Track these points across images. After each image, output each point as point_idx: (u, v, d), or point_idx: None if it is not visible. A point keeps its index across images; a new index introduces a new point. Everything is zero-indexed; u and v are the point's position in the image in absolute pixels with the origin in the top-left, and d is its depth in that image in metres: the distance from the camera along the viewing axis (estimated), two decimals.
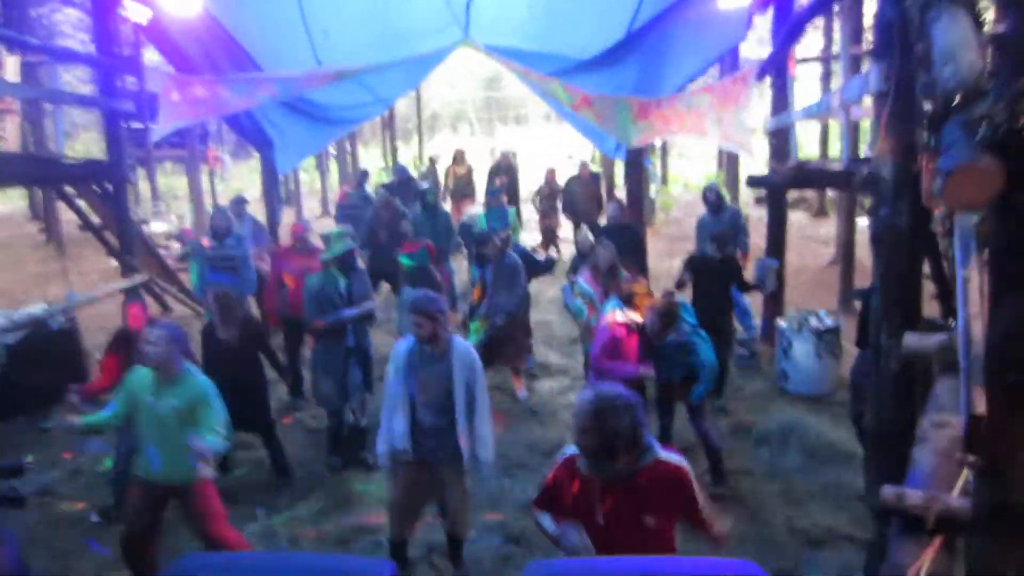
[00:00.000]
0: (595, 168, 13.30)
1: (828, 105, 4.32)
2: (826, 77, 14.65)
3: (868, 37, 7.37)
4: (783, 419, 5.76)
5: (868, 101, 4.62)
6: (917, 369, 3.06)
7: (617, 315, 4.90)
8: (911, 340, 2.06)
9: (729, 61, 12.27)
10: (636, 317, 4.89)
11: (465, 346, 4.10)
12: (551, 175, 12.37)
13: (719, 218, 7.60)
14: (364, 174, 12.56)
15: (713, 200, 7.69)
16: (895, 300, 3.03)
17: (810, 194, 15.35)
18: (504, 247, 6.72)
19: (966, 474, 1.86)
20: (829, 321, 6.63)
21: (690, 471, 2.62)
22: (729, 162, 15.76)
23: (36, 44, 7.05)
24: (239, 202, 10.08)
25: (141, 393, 3.95)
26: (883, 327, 3.07)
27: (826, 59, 11.63)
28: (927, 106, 2.75)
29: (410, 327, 4.06)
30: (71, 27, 19.89)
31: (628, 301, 4.99)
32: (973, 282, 1.56)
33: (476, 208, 11.66)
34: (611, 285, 6.13)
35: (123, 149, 7.50)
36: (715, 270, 6.26)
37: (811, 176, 5.46)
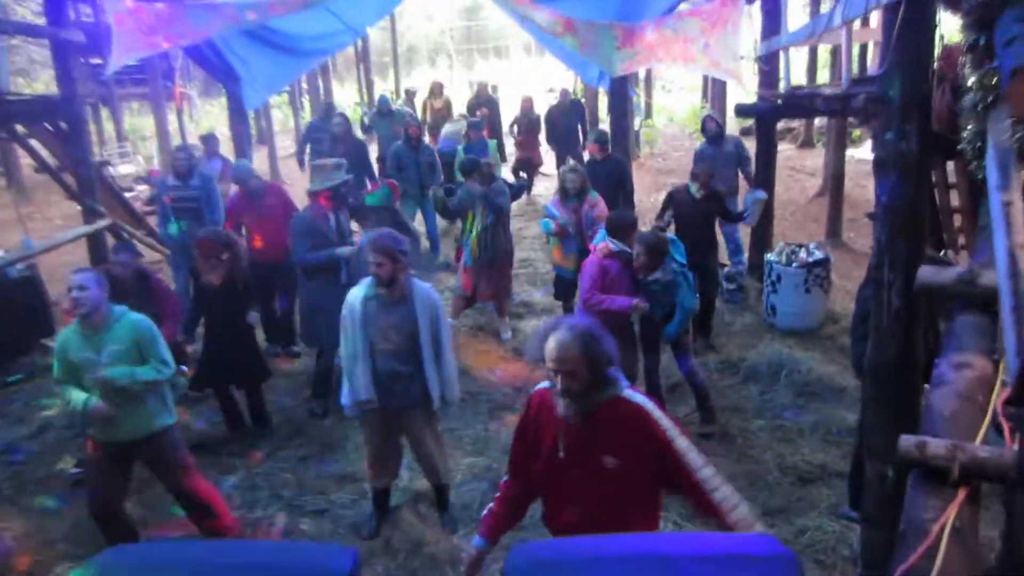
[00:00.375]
0: (578, 98, 12.77)
1: (827, 23, 4.03)
2: (815, 1, 14.19)
3: None
4: (772, 355, 5.66)
5: (872, 19, 4.36)
6: (920, 304, 2.90)
7: (609, 246, 4.69)
8: (926, 273, 1.87)
9: None
10: (625, 248, 4.67)
11: (426, 288, 3.89)
12: (528, 104, 11.71)
13: (719, 148, 7.31)
14: (330, 107, 11.89)
15: (714, 129, 7.39)
16: (900, 230, 2.84)
17: (797, 124, 15.05)
18: (491, 173, 6.52)
19: (988, 421, 1.70)
20: (819, 253, 6.47)
21: (654, 412, 2.41)
22: (716, 94, 15.34)
23: None
24: (209, 140, 9.65)
25: (77, 352, 3.66)
26: (885, 259, 2.89)
27: None
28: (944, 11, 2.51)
29: (367, 269, 3.82)
30: None
31: (618, 231, 4.74)
32: (1017, 206, 1.37)
33: (455, 126, 11.08)
34: (580, 209, 6.02)
35: (75, 83, 7.04)
36: (697, 206, 6.04)
37: (804, 103, 5.19)
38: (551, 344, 2.30)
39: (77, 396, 3.66)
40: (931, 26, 2.67)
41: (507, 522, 2.75)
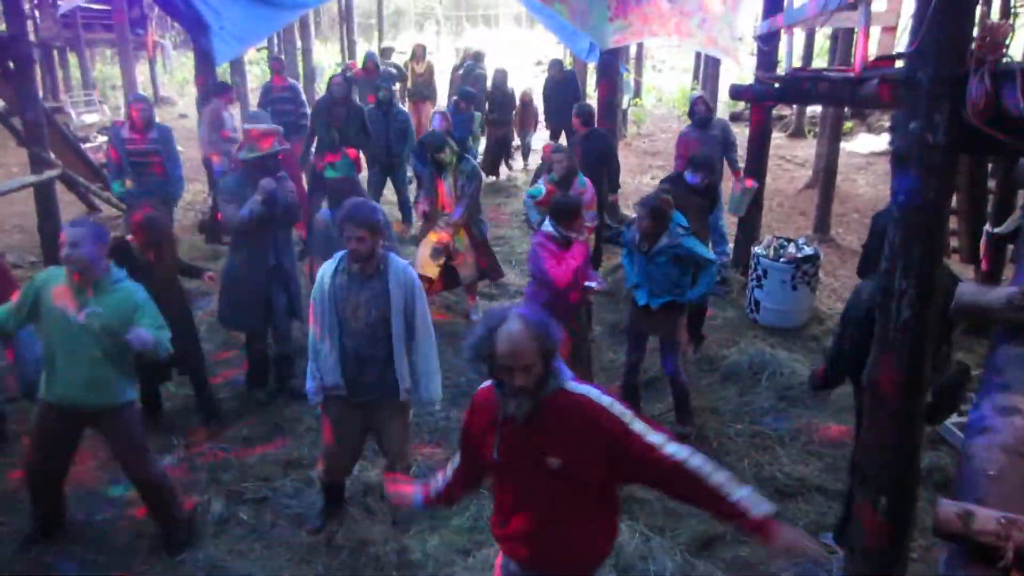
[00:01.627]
0: (572, 68, 12.19)
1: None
2: None
3: None
4: (754, 354, 5.37)
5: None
6: (931, 316, 2.59)
7: (547, 227, 4.40)
8: (967, 292, 1.56)
9: None
10: (567, 233, 4.36)
11: (403, 265, 3.52)
12: (501, 76, 10.68)
13: (706, 133, 6.90)
14: (278, 61, 10.78)
15: (703, 112, 6.92)
16: (916, 233, 2.52)
17: (788, 112, 14.74)
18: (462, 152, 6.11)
19: None
20: (808, 249, 6.17)
21: (601, 400, 2.16)
22: (709, 75, 14.95)
23: None
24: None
25: (55, 300, 3.33)
26: (898, 265, 2.56)
27: None
28: None
29: (339, 244, 3.49)
30: None
31: (561, 217, 4.37)
32: None
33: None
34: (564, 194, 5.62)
35: (24, 19, 6.51)
36: (696, 196, 5.60)
37: (806, 87, 4.83)
38: (502, 338, 2.06)
39: None
40: (972, 1, 2.33)
41: (453, 499, 2.64)
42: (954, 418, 4.44)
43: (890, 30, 5.84)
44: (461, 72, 12.09)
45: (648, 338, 4.86)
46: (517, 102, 11.08)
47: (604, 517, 2.34)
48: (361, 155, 7.43)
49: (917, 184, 2.47)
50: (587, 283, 4.42)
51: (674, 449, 2.12)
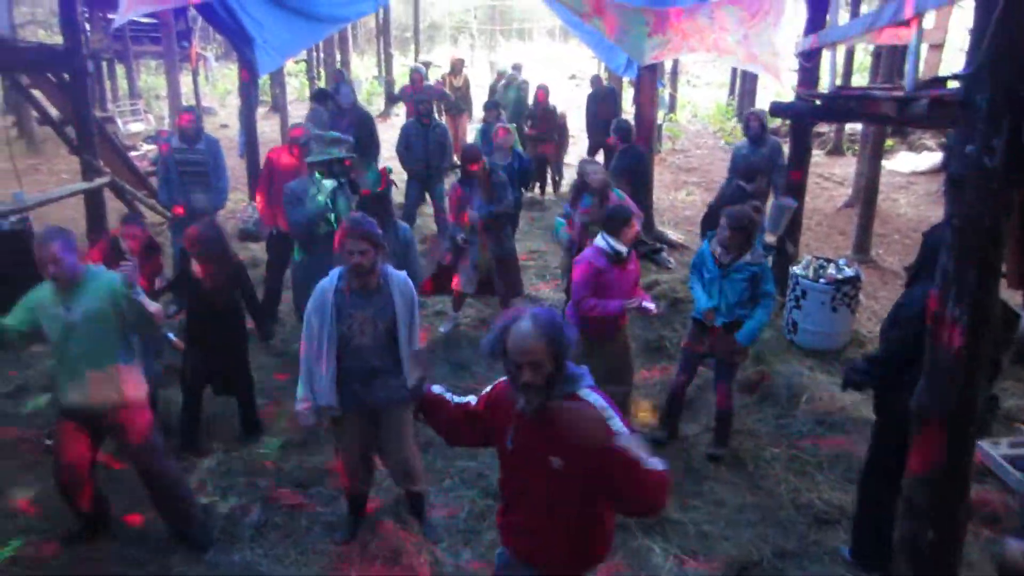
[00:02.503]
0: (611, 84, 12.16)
1: (894, 14, 3.61)
2: (856, 2, 13.67)
3: None
4: (792, 376, 5.28)
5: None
6: (985, 346, 2.53)
7: (599, 242, 4.33)
8: None
9: None
10: (621, 247, 4.29)
11: (402, 276, 3.52)
12: (542, 95, 10.39)
13: (758, 150, 6.85)
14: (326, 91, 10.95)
15: (756, 129, 6.91)
16: (971, 259, 2.46)
17: (827, 129, 14.56)
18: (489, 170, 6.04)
19: None
20: (849, 271, 6.06)
21: (606, 412, 2.17)
22: (746, 90, 14.86)
23: None
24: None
25: (50, 308, 3.44)
26: (951, 292, 2.51)
27: None
28: None
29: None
30: None
31: (612, 227, 4.33)
32: None
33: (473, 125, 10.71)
34: (600, 210, 5.56)
35: (80, 34, 6.73)
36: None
37: (851, 105, 4.76)
38: (513, 335, 2.16)
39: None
40: None
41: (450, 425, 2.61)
42: (1004, 449, 4.33)
43: (937, 47, 5.75)
44: (503, 83, 12.08)
45: (702, 360, 4.79)
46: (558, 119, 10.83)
47: (599, 522, 2.37)
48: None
49: (973, 209, 2.42)
50: (644, 303, 4.28)
51: (644, 455, 2.04)
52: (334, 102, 8.47)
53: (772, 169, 6.90)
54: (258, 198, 6.76)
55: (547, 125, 10.42)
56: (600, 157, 10.61)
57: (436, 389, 2.63)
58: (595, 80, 10.92)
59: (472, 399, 2.55)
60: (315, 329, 3.43)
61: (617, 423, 2.16)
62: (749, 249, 4.35)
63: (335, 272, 3.49)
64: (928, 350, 2.63)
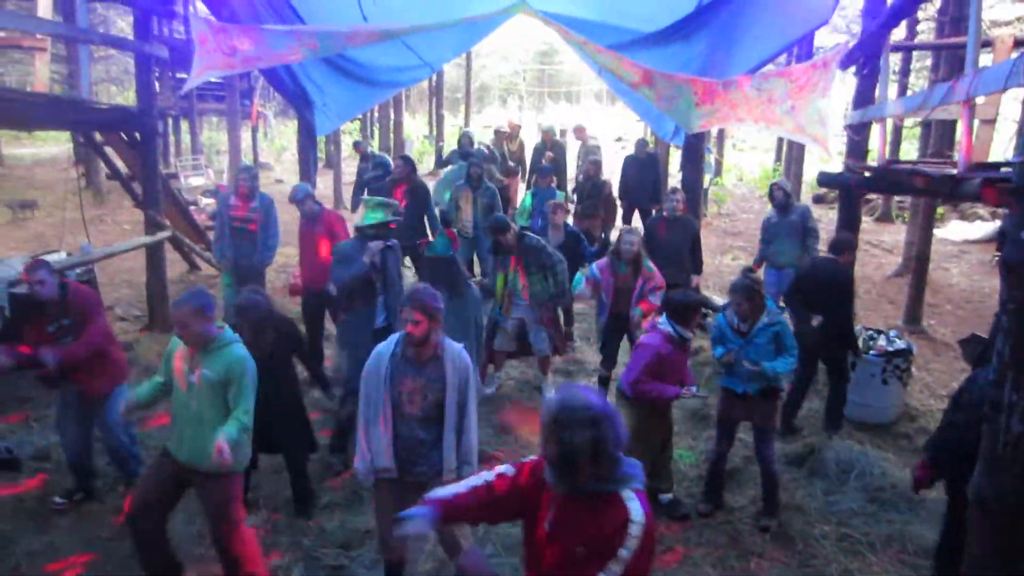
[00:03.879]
0: (655, 150, 12.25)
1: (945, 97, 3.65)
2: (905, 71, 13.71)
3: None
4: (841, 449, 5.16)
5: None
6: None
7: (666, 328, 4.36)
8: None
9: (804, 47, 11.41)
10: (687, 333, 4.37)
11: (458, 349, 3.52)
12: (593, 169, 9.94)
13: (786, 218, 7.03)
14: (365, 153, 11.07)
15: (780, 198, 7.16)
16: None
17: (875, 196, 14.45)
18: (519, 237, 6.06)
19: None
20: (900, 343, 5.96)
21: (634, 528, 2.09)
22: (793, 157, 14.89)
23: None
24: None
25: (176, 364, 3.61)
26: (1008, 377, 2.48)
27: (936, 47, 10.44)
28: None
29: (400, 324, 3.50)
30: None
31: (679, 314, 4.38)
32: None
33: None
34: (632, 277, 5.68)
35: (153, 96, 7.14)
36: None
37: (901, 179, 4.77)
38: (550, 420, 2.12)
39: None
40: None
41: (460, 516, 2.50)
42: None
43: (989, 123, 5.75)
44: (538, 145, 12.18)
45: (739, 426, 4.78)
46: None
47: None
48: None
49: None
50: (696, 392, 4.41)
51: None
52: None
53: (804, 234, 7.02)
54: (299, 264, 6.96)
55: (595, 200, 9.80)
56: (636, 220, 10.70)
57: (448, 491, 2.47)
58: (640, 144, 10.91)
59: (508, 469, 2.44)
60: (371, 391, 3.49)
61: (634, 544, 2.08)
62: (763, 312, 4.45)
63: (394, 337, 3.56)
64: (985, 435, 2.59)
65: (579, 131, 12.78)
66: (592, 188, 9.75)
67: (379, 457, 3.48)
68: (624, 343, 6.09)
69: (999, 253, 3.05)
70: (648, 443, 4.42)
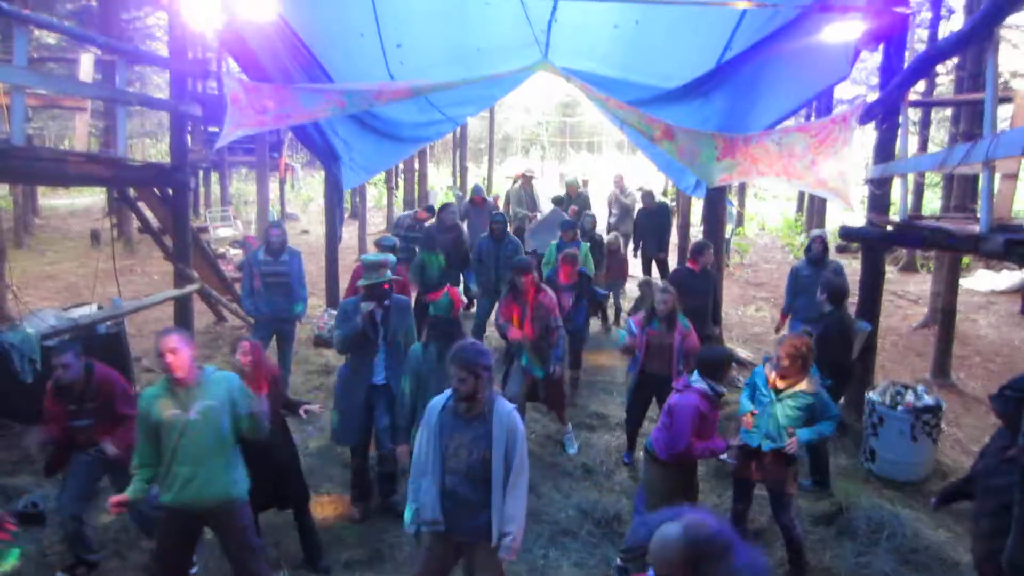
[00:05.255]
0: (665, 199, 12.33)
1: (964, 157, 3.67)
2: (925, 123, 13.74)
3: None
4: (871, 509, 5.03)
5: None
6: None
7: (701, 386, 4.32)
8: None
9: (824, 101, 11.53)
10: (722, 388, 4.35)
11: (508, 409, 3.51)
12: (591, 224, 9.81)
13: (818, 271, 6.87)
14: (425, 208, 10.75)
15: (819, 252, 7.03)
16: None
17: None
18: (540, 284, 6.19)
19: None
20: (928, 399, 5.85)
21: None
22: (814, 207, 14.90)
23: (104, 42, 6.93)
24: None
25: (162, 412, 3.63)
26: None
27: (955, 103, 10.50)
28: None
29: (435, 376, 3.55)
30: (162, 31, 20.51)
31: (711, 370, 4.35)
32: None
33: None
34: (667, 333, 5.62)
35: (186, 154, 7.36)
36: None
37: (924, 235, 4.76)
38: (656, 540, 1.92)
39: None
40: None
41: None
42: None
43: (1011, 177, 5.75)
44: (555, 199, 12.33)
45: (755, 486, 4.70)
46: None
47: None
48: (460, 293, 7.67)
49: None
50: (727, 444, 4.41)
51: None
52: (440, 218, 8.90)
53: None
54: None
55: (597, 258, 9.45)
56: (654, 271, 10.77)
57: None
58: (646, 196, 10.98)
59: None
60: (423, 443, 3.53)
61: None
62: (805, 377, 4.33)
63: (448, 391, 3.57)
64: (1018, 504, 2.54)
65: (618, 181, 12.90)
66: (593, 245, 9.56)
67: (426, 509, 3.48)
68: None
69: None
70: (677, 504, 4.36)
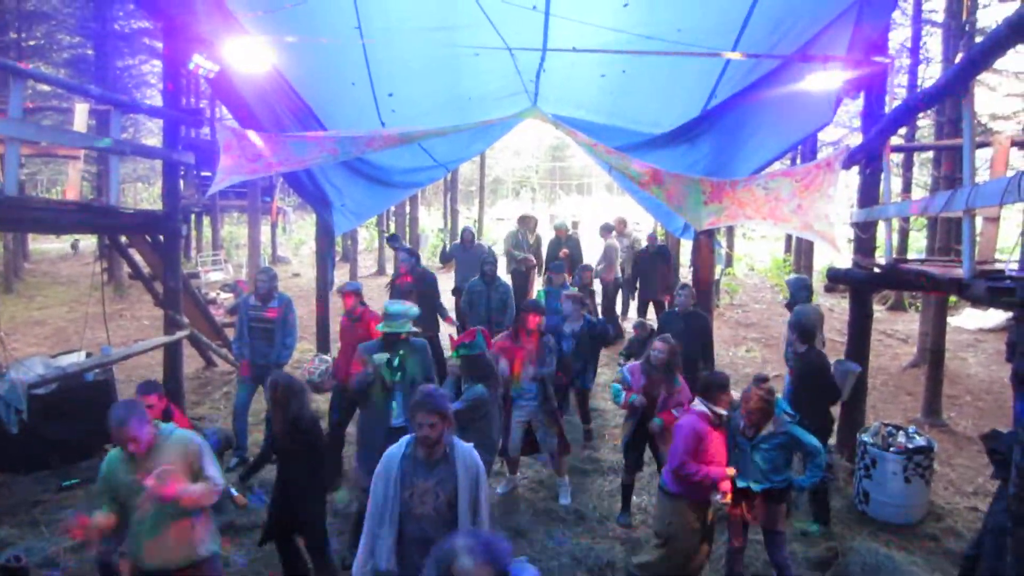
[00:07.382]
0: (664, 243, 12.46)
1: (945, 206, 3.75)
2: (908, 166, 14.00)
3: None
4: (866, 553, 4.99)
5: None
6: None
7: (700, 407, 4.41)
8: None
9: (808, 144, 11.75)
10: (721, 411, 4.39)
11: (468, 448, 3.54)
12: (588, 277, 9.56)
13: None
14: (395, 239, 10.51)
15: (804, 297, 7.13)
16: None
17: None
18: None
19: None
20: (920, 440, 5.86)
21: None
22: (801, 248, 15.06)
23: (99, 94, 7.01)
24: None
25: (125, 475, 3.56)
26: None
27: (936, 148, 10.75)
28: None
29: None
30: (157, 78, 20.77)
31: (709, 392, 4.43)
32: None
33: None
34: (664, 383, 5.50)
35: (178, 201, 7.40)
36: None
37: (909, 278, 4.84)
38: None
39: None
40: None
41: None
42: None
43: (993, 220, 5.85)
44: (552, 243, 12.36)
45: (748, 527, 4.69)
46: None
47: None
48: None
49: None
50: (725, 471, 4.35)
51: None
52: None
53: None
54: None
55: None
56: (651, 312, 10.82)
57: None
58: (650, 237, 11.24)
59: None
60: (380, 493, 3.48)
61: None
62: (770, 420, 4.48)
63: (405, 439, 3.57)
64: (1010, 550, 2.54)
65: (620, 224, 12.88)
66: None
67: (382, 558, 3.43)
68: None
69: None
70: (689, 542, 4.41)
